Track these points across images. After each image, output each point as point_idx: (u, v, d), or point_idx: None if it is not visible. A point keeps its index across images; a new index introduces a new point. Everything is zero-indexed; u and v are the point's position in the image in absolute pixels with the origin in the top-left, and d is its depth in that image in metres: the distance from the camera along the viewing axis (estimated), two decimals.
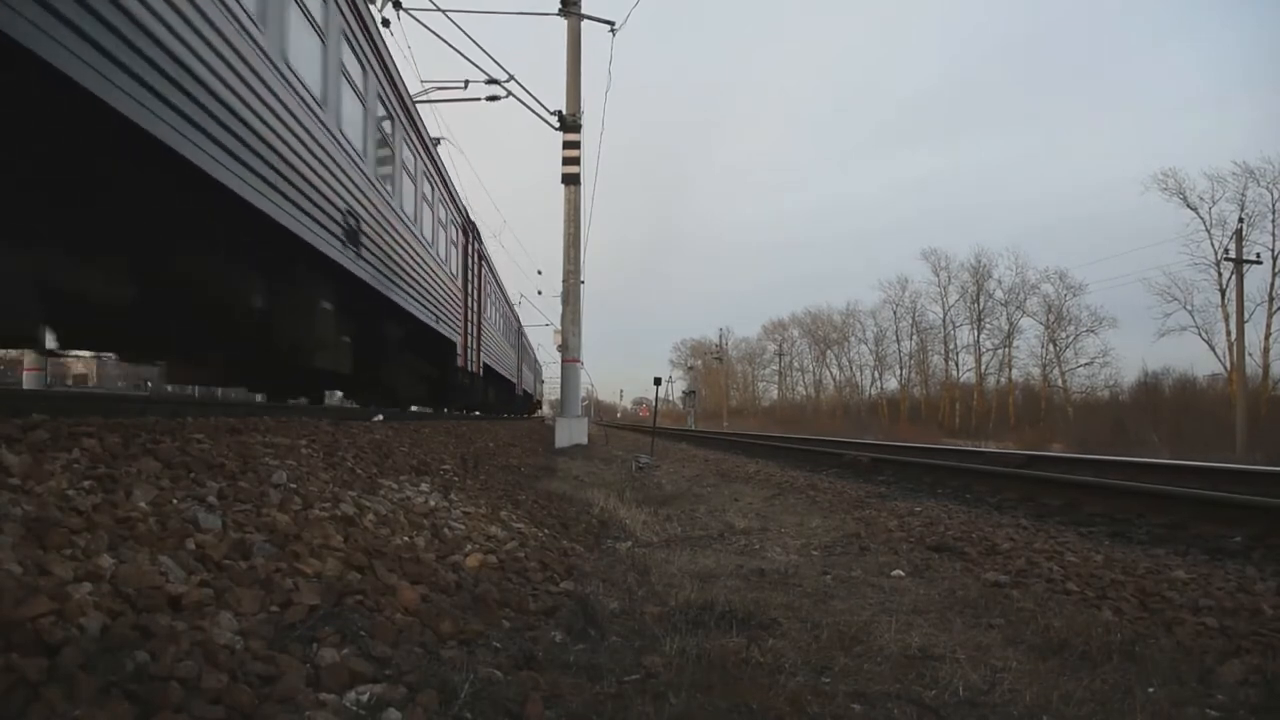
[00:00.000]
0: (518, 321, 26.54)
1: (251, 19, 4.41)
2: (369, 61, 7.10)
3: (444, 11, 12.13)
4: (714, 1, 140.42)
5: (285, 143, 4.95)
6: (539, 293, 50.02)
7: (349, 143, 6.37)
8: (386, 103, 7.76)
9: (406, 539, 2.64)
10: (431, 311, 9.71)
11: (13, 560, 1.40)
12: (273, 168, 4.74)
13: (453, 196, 11.86)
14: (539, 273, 48.53)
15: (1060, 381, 47.40)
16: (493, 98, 13.80)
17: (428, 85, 14.02)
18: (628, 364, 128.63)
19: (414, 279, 8.77)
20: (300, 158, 5.22)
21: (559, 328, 16.22)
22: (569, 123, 13.33)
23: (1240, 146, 73.31)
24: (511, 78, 13.51)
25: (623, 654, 1.95)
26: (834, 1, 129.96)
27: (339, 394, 10.33)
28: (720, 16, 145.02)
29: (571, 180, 13.54)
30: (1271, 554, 3.70)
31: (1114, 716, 1.70)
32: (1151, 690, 1.87)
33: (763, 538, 4.28)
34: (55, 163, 3.42)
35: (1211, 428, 25.65)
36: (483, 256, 15.23)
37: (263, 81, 4.58)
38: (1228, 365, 33.63)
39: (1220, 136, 64.17)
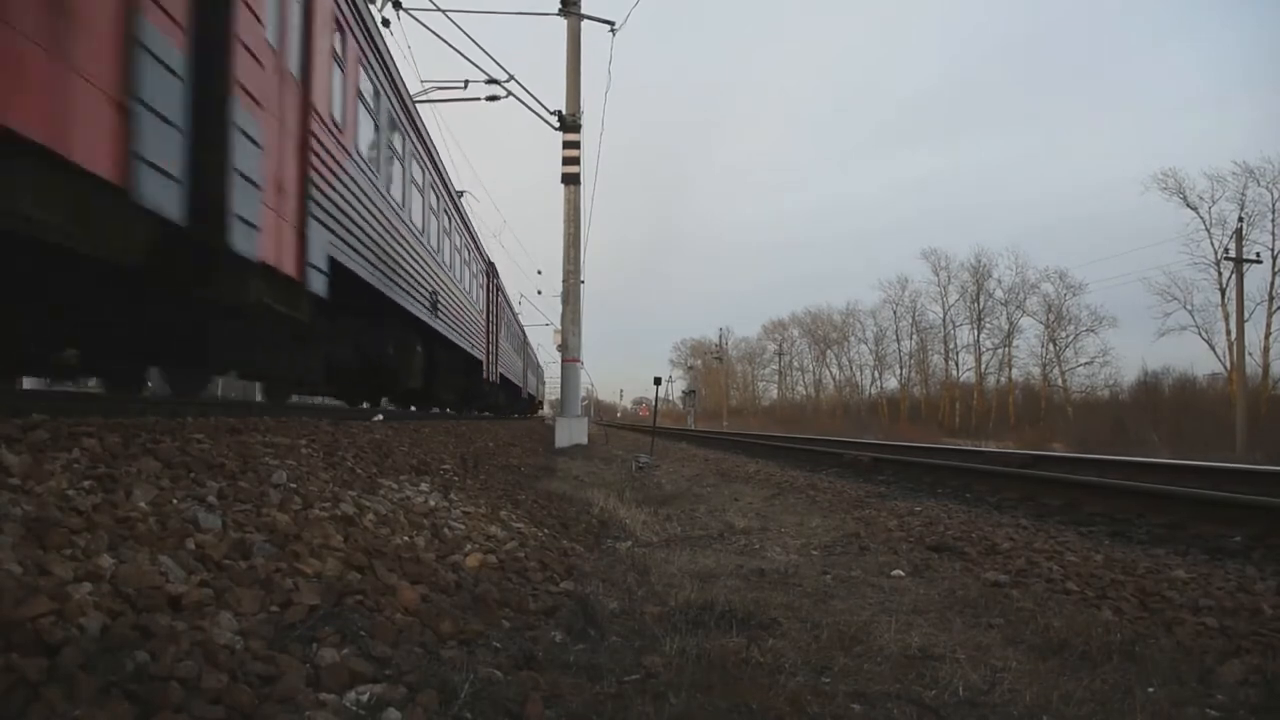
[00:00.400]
0: (523, 333, 29.34)
1: (420, 235, 9.22)
2: (445, 197, 11.15)
3: (444, 11, 12.17)
4: (714, 1, 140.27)
5: (423, 270, 9.29)
6: (539, 293, 49.90)
7: (436, 248, 10.36)
8: (450, 215, 11.70)
9: (406, 539, 2.64)
10: (468, 340, 13.40)
11: (13, 560, 1.40)
12: (416, 287, 8.85)
13: (480, 250, 15.69)
14: (539, 273, 48.36)
15: (1060, 381, 47.47)
16: (493, 98, 13.82)
17: (428, 85, 14.10)
18: (628, 364, 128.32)
19: (462, 321, 12.54)
20: (423, 272, 9.31)
21: (559, 328, 16.26)
22: (569, 123, 13.33)
23: (1240, 146, 73.59)
24: (511, 78, 13.53)
25: (623, 654, 1.95)
26: (834, 1, 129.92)
27: (384, 399, 12.67)
28: (720, 16, 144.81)
29: (571, 180, 13.54)
30: (1271, 554, 3.70)
31: (1114, 716, 1.70)
32: (1151, 690, 1.87)
33: (763, 537, 4.28)
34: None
35: (1211, 427, 25.64)
36: (499, 288, 18.85)
37: (420, 256, 9.09)
38: (1228, 365, 33.69)
39: (1220, 136, 64.49)
